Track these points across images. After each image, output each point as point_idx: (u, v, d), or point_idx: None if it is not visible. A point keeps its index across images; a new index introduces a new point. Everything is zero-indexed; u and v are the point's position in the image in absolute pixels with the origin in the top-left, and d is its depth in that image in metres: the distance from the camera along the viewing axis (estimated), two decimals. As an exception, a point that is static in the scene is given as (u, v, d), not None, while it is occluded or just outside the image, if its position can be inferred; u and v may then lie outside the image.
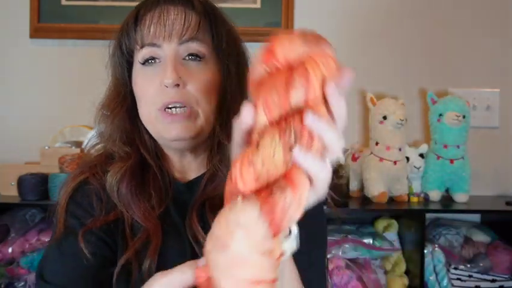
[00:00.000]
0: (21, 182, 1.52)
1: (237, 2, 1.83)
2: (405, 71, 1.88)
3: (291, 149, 0.40)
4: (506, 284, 1.55)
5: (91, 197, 0.71)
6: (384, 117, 1.64)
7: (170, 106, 0.67)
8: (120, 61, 0.73)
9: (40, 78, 1.85)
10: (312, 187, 0.42)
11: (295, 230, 0.42)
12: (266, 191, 0.39)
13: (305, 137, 0.40)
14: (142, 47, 0.69)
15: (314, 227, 0.71)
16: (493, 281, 1.55)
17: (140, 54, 0.69)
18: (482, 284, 1.55)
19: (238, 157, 0.41)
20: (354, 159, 1.73)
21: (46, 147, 1.64)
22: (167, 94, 0.66)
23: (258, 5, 1.84)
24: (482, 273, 1.55)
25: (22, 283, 1.53)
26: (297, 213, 0.40)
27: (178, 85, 0.66)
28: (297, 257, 0.52)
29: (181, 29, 0.67)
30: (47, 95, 1.84)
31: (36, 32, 1.83)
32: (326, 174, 0.42)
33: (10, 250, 1.53)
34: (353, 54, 1.86)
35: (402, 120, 1.62)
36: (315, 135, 0.40)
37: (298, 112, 0.41)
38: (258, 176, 0.40)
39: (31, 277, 1.51)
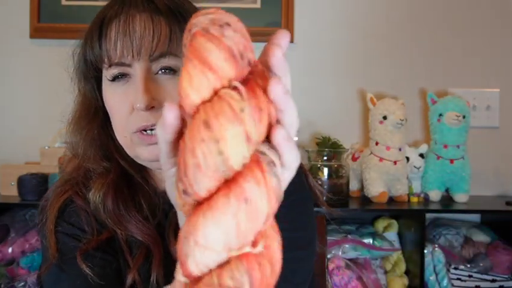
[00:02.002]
0: (21, 182, 1.52)
1: (237, 2, 1.83)
2: (405, 71, 1.88)
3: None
4: (506, 284, 1.55)
5: (80, 216, 0.68)
6: (384, 117, 1.64)
7: (146, 129, 0.63)
8: (86, 75, 0.68)
9: (40, 78, 1.85)
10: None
11: None
12: None
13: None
14: (109, 65, 0.63)
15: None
16: (493, 281, 1.55)
17: (109, 73, 0.64)
18: (482, 284, 1.55)
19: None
20: (354, 159, 1.73)
21: (46, 147, 1.64)
22: (141, 118, 0.62)
23: (258, 5, 1.84)
24: (482, 273, 1.55)
25: (22, 283, 1.53)
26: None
27: (152, 107, 0.62)
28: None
29: (150, 45, 0.61)
30: (47, 95, 1.84)
31: (36, 32, 1.82)
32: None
33: (10, 250, 1.53)
34: (353, 54, 1.86)
35: (402, 120, 1.62)
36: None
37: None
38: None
39: (31, 277, 1.51)
